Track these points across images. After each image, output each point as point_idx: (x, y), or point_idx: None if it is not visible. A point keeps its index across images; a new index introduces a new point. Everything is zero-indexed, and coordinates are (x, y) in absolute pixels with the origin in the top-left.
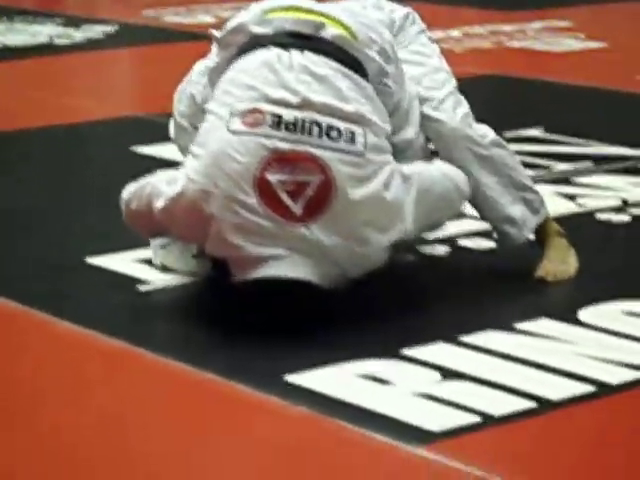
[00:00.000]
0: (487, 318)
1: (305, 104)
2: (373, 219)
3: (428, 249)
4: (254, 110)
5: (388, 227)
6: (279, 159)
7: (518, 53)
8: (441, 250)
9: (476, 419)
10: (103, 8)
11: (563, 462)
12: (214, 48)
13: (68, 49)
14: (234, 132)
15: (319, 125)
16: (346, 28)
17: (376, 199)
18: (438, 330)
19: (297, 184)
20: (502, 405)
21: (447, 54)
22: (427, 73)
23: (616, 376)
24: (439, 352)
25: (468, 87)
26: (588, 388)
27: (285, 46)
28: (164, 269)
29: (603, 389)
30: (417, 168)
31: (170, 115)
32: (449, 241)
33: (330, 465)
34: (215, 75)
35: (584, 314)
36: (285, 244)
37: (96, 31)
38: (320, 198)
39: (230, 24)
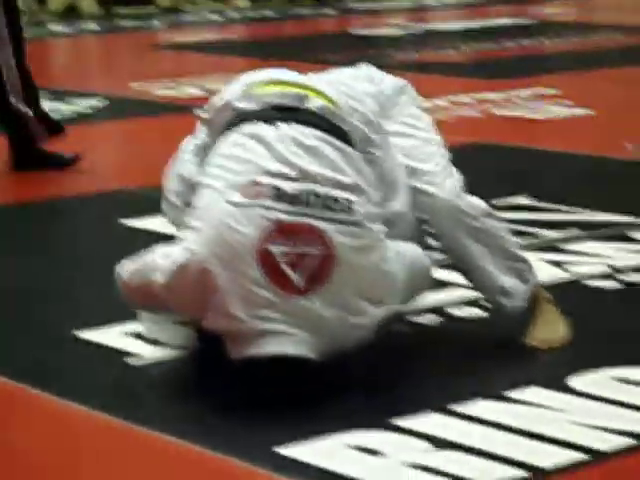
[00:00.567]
0: (477, 387)
1: (303, 176)
2: (370, 291)
3: (418, 318)
4: (254, 183)
5: (383, 300)
6: (281, 230)
7: (505, 121)
8: (430, 319)
9: None
10: (91, 81)
11: None
12: (202, 126)
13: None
14: (235, 204)
15: (318, 196)
16: (328, 99)
17: (375, 270)
18: (428, 399)
19: (298, 255)
20: (493, 474)
21: (434, 123)
22: (417, 145)
23: (608, 443)
24: (429, 422)
25: (455, 155)
26: (580, 456)
27: (271, 120)
28: (154, 342)
29: (595, 456)
30: (401, 245)
31: (158, 188)
32: (438, 310)
33: None
34: (204, 152)
35: (574, 381)
36: (284, 316)
37: (84, 105)
38: (321, 269)
39: (215, 103)
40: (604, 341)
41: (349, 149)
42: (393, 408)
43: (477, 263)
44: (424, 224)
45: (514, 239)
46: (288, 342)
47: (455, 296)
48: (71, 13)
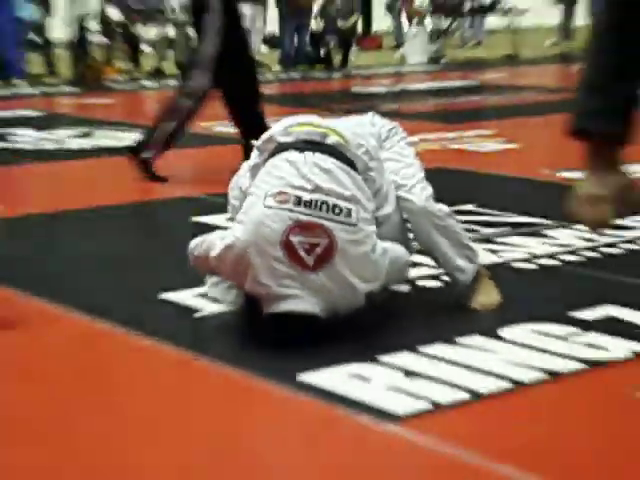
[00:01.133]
0: (436, 335)
1: (317, 189)
2: (360, 271)
3: (396, 288)
4: (282, 192)
5: (369, 279)
6: (299, 227)
7: (457, 152)
8: (405, 288)
9: (429, 406)
10: None
11: (491, 433)
12: (255, 152)
13: None
14: (269, 207)
15: (327, 204)
16: (342, 137)
17: (365, 257)
18: (403, 343)
19: (311, 244)
20: (446, 396)
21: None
22: (402, 167)
23: (527, 376)
24: (402, 358)
25: (425, 175)
26: (507, 384)
27: (302, 150)
28: (214, 301)
29: (517, 385)
30: (389, 245)
31: (216, 195)
32: (411, 282)
33: (326, 437)
34: (255, 170)
35: (503, 332)
36: (300, 285)
37: None
38: (326, 254)
39: (264, 136)
40: (525, 304)
41: (353, 172)
42: (378, 348)
43: (441, 250)
44: (406, 222)
45: (466, 234)
46: (302, 303)
47: (423, 273)
48: (158, 73)
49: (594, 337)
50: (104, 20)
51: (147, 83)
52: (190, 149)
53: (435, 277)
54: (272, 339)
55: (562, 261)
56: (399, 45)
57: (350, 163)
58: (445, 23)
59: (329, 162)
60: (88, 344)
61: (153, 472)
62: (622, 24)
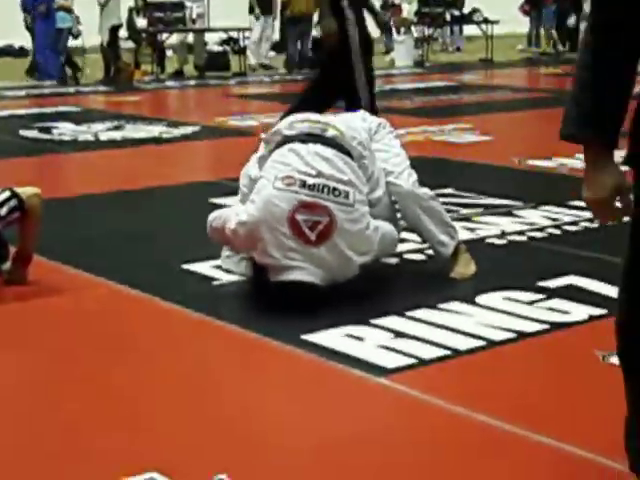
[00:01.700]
0: (421, 301)
1: (319, 175)
2: (356, 246)
3: (386, 260)
4: (289, 177)
5: (364, 253)
6: (303, 206)
7: (439, 144)
8: (394, 260)
9: (414, 361)
10: (191, 115)
11: (468, 385)
12: (262, 144)
13: (170, 140)
14: (277, 189)
15: (328, 187)
16: (339, 130)
17: (360, 234)
18: (391, 307)
19: (313, 222)
20: (429, 352)
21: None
22: (391, 157)
23: (499, 336)
24: (392, 321)
25: (411, 163)
26: (481, 343)
27: (305, 141)
28: (228, 272)
29: (490, 343)
30: (380, 223)
31: (231, 180)
32: (399, 255)
33: (328, 386)
34: (262, 161)
35: (479, 299)
36: (303, 257)
37: (186, 130)
38: (326, 231)
39: (272, 130)
40: (497, 275)
41: (349, 160)
42: (369, 313)
43: (426, 227)
44: (395, 204)
45: (446, 213)
46: (305, 273)
47: (410, 247)
48: (178, 75)
49: (557, 303)
50: (132, 28)
51: (170, 83)
52: (207, 140)
53: (420, 251)
54: (278, 304)
55: (530, 237)
56: (388, 50)
57: (347, 152)
58: (429, 31)
59: (328, 152)
60: (117, 309)
61: (164, 421)
62: (598, 45)
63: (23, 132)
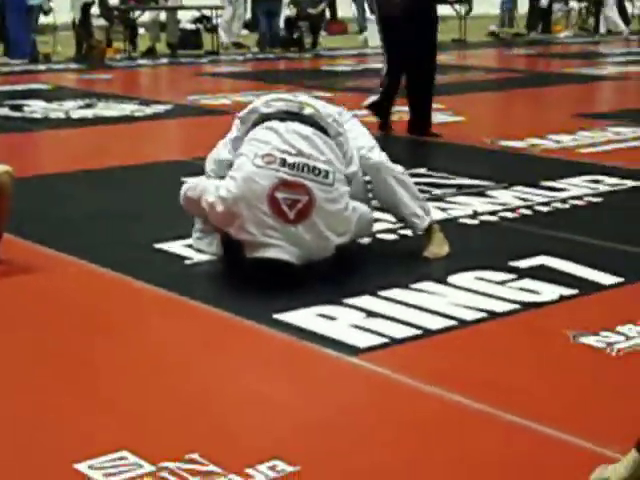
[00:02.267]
0: (393, 281)
1: (299, 153)
2: (334, 226)
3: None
4: (269, 154)
5: (341, 233)
6: (283, 184)
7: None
8: (367, 240)
9: (386, 340)
10: (163, 94)
11: (440, 364)
12: (237, 123)
13: (142, 119)
14: (257, 166)
15: (308, 166)
16: (315, 109)
17: (339, 214)
18: (364, 287)
19: (292, 200)
20: (401, 332)
21: (368, 124)
22: (359, 134)
23: (470, 316)
24: (364, 301)
25: (381, 143)
26: (452, 322)
27: (283, 119)
28: (199, 251)
29: (461, 323)
30: (357, 204)
31: (202, 159)
32: (371, 235)
33: (300, 365)
34: (237, 142)
35: (451, 279)
36: (281, 236)
37: (159, 108)
38: (305, 210)
39: (248, 108)
40: (469, 255)
41: (327, 138)
42: (342, 292)
43: (402, 199)
44: (368, 184)
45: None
46: (281, 252)
47: (382, 227)
48: (151, 53)
49: (528, 283)
50: (104, 5)
51: (142, 61)
52: (179, 119)
53: (392, 231)
54: (250, 284)
55: (502, 218)
56: (362, 30)
57: (323, 130)
58: None
59: (307, 130)
60: (88, 288)
61: (135, 399)
62: None
63: None
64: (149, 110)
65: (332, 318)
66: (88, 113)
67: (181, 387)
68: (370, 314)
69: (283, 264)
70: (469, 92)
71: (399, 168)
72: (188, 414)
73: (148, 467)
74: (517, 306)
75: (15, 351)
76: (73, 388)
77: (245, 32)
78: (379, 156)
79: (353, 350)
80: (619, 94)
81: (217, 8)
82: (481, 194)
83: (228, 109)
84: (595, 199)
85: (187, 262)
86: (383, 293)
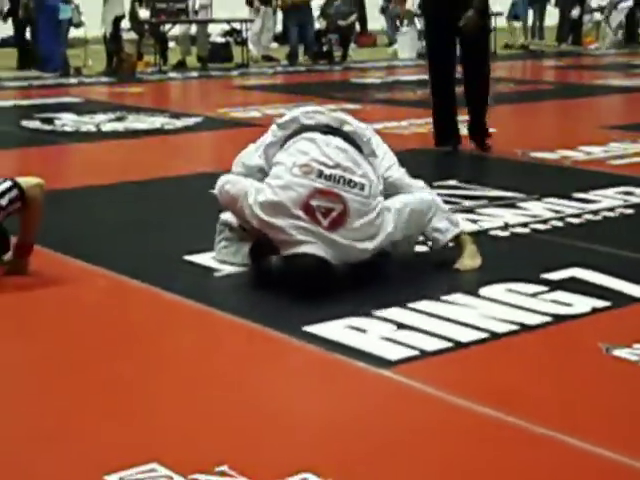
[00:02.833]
0: (424, 293)
1: (337, 166)
2: (366, 233)
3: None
4: (307, 165)
5: (374, 236)
6: (319, 193)
7: None
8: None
9: (417, 353)
10: (193, 107)
11: (471, 377)
12: (274, 128)
13: (172, 132)
14: (295, 175)
15: (344, 178)
16: (354, 127)
17: (371, 223)
18: (394, 300)
19: (327, 209)
20: (432, 344)
21: (398, 137)
22: (384, 154)
23: (501, 328)
24: (394, 313)
25: (412, 155)
26: (484, 335)
27: (324, 132)
28: (222, 263)
29: (493, 335)
30: (393, 199)
31: (226, 170)
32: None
33: (331, 378)
34: (272, 147)
35: (483, 291)
36: (316, 239)
37: (189, 121)
38: (340, 218)
39: (288, 116)
40: (500, 267)
41: (362, 154)
42: (372, 305)
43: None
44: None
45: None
46: (317, 249)
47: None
48: (181, 66)
49: (560, 295)
50: (135, 19)
51: (172, 75)
52: (209, 132)
53: (422, 243)
54: (281, 294)
55: (533, 229)
56: (391, 42)
57: (359, 148)
58: None
59: (346, 145)
60: (118, 299)
61: (165, 411)
62: None
63: (25, 123)
64: (179, 123)
65: (362, 330)
66: (119, 126)
67: (211, 399)
68: (401, 326)
69: (318, 262)
70: (498, 103)
71: (420, 183)
72: (218, 426)
73: (178, 479)
74: (549, 318)
75: (46, 362)
76: (103, 399)
77: (275, 45)
78: (397, 172)
79: (384, 363)
80: None
81: (247, 21)
82: (512, 206)
83: (258, 123)
84: (627, 211)
85: (217, 274)
86: (413, 305)
